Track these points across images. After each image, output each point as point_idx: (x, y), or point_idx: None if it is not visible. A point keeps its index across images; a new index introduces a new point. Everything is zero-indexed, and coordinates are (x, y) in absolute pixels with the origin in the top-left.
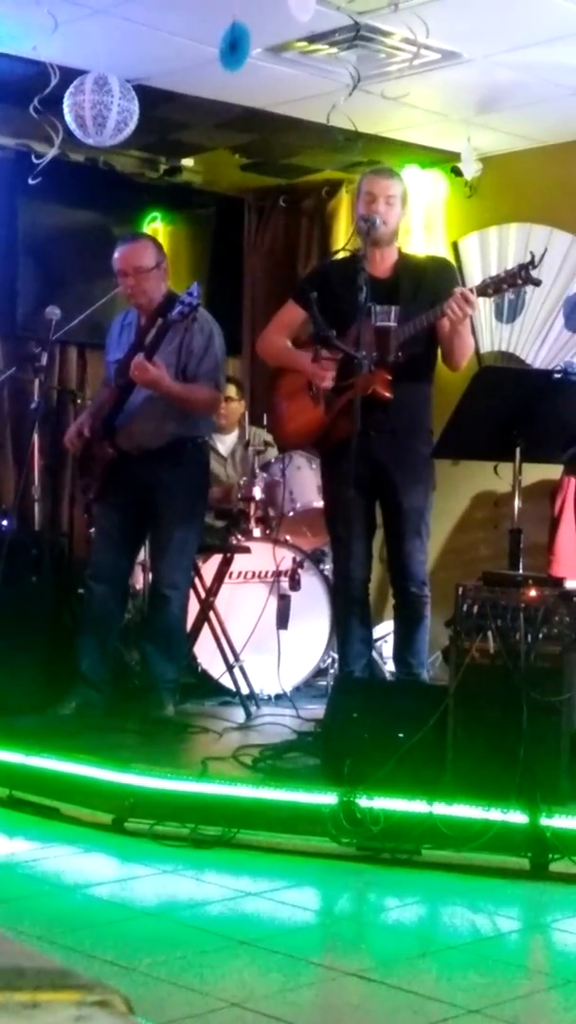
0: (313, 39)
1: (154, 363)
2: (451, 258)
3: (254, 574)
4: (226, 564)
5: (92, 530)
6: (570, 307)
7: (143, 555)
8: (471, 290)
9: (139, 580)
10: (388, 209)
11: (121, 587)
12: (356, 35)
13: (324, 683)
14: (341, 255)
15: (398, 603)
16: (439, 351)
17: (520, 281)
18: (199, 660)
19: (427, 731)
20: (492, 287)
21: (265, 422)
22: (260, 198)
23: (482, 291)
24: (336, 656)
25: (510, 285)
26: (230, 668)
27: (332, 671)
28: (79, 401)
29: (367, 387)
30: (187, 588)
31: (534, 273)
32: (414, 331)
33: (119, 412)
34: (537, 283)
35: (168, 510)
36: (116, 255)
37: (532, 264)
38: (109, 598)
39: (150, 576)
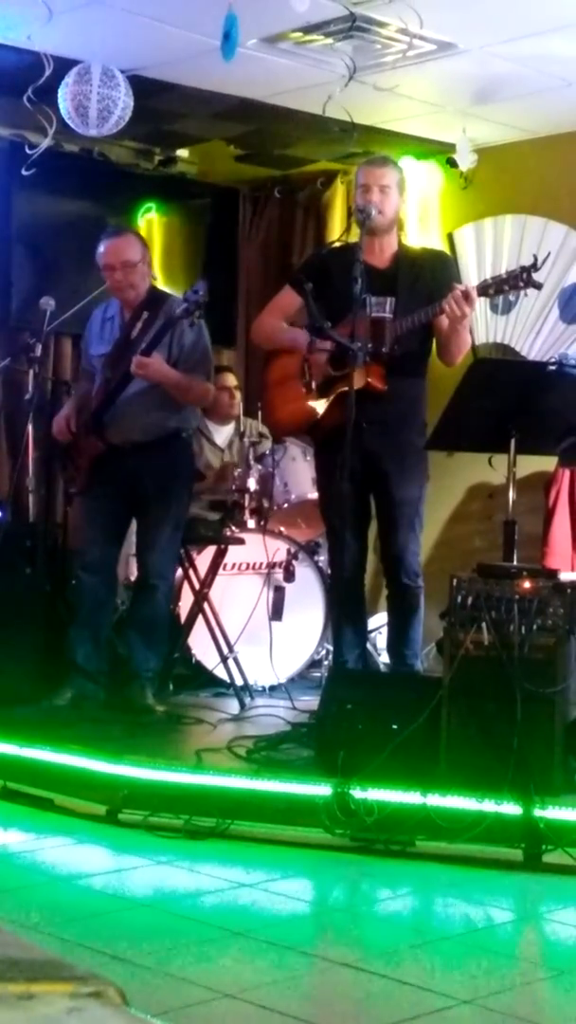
0: (308, 30)
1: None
2: (446, 249)
3: (248, 565)
4: (220, 555)
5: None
6: (565, 299)
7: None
8: (472, 288)
9: (134, 571)
10: (383, 197)
11: (111, 577)
12: (352, 26)
13: (318, 674)
14: (339, 244)
15: (392, 595)
16: (434, 344)
17: (521, 284)
18: (193, 651)
19: (421, 722)
20: (493, 288)
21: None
22: (255, 189)
23: (482, 291)
24: (330, 647)
25: (511, 287)
26: (224, 659)
27: (326, 662)
28: (73, 392)
29: (361, 381)
30: (173, 577)
31: (536, 276)
32: (411, 326)
33: (109, 407)
34: (539, 286)
35: (159, 502)
36: (102, 249)
37: (534, 267)
38: (101, 588)
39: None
